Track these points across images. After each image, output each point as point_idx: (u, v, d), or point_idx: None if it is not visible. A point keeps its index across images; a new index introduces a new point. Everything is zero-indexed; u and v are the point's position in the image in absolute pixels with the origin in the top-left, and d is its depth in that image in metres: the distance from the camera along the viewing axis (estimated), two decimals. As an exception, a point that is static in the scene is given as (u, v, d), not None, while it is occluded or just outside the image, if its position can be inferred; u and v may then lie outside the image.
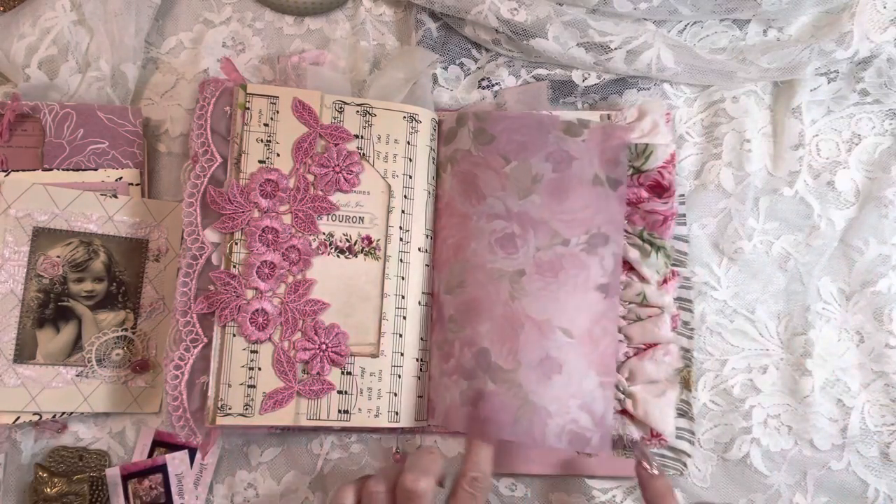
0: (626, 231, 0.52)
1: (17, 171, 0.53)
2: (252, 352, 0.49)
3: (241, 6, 0.62)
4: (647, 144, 0.53)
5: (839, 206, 0.56)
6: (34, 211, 0.52)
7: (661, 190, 0.53)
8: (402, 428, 0.52)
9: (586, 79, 0.56)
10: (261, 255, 0.50)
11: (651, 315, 0.51)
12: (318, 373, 0.50)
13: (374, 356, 0.51)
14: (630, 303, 0.52)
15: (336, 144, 0.52)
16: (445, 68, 0.59)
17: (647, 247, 0.51)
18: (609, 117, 0.55)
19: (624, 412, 0.48)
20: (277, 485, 0.53)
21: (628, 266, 0.52)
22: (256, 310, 0.49)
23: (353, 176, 0.52)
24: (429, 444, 0.54)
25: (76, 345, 0.53)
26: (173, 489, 0.52)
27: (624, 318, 0.52)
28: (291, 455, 0.54)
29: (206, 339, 0.49)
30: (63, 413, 0.52)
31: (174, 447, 0.53)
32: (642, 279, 0.52)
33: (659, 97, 0.57)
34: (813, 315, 0.54)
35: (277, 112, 0.52)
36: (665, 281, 0.51)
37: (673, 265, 0.52)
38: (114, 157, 0.55)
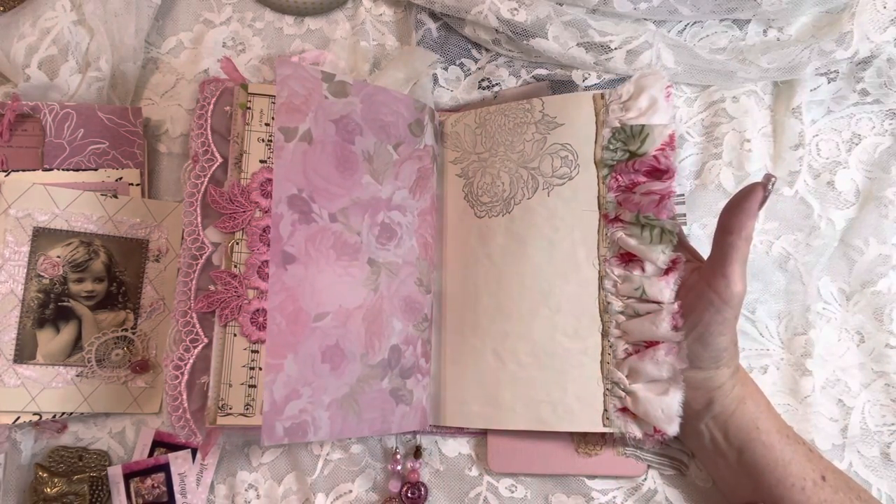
0: (622, 220, 0.49)
1: (18, 171, 0.53)
2: (253, 351, 0.49)
3: (241, 6, 0.62)
4: (642, 126, 0.50)
5: (839, 206, 0.56)
6: (34, 211, 0.52)
7: (659, 174, 0.49)
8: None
9: (586, 79, 0.56)
10: (262, 254, 0.50)
11: (650, 311, 0.47)
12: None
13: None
14: (628, 297, 0.49)
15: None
16: (445, 68, 0.59)
17: (647, 233, 0.48)
18: (602, 97, 0.52)
19: (625, 410, 0.48)
20: (278, 485, 0.53)
21: (627, 258, 0.49)
22: (257, 309, 0.49)
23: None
24: (429, 444, 0.54)
25: (76, 345, 0.53)
26: (176, 488, 0.52)
27: (622, 313, 0.49)
28: (292, 456, 0.54)
29: (206, 340, 0.49)
30: (63, 413, 0.52)
31: (174, 447, 0.53)
32: (642, 271, 0.48)
33: (659, 69, 0.54)
34: (813, 315, 0.54)
35: (278, 112, 0.52)
36: (667, 272, 0.47)
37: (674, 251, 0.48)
38: (114, 157, 0.55)
